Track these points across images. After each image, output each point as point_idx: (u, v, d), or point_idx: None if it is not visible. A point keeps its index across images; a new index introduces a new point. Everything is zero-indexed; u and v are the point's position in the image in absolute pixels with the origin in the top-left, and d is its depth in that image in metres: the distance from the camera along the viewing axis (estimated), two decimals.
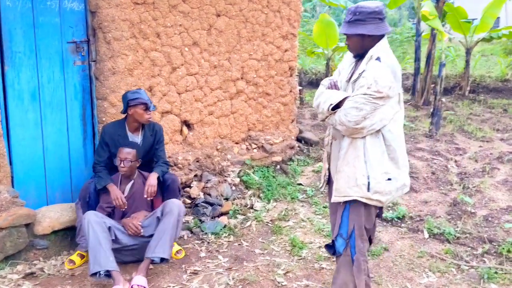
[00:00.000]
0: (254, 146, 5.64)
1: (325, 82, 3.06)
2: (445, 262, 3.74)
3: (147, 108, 3.83)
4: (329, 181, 3.10)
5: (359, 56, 2.89)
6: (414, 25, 10.59)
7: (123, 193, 3.76)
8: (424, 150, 6.09)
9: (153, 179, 3.80)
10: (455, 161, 5.80)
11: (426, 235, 4.15)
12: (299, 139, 6.29)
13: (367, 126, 2.73)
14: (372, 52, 2.78)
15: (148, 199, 3.79)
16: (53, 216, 3.94)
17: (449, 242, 4.03)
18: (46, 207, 4.05)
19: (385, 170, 2.79)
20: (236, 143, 5.55)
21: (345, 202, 2.90)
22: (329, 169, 3.07)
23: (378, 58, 2.76)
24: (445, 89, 7.47)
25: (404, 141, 2.89)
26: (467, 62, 9.83)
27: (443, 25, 8.86)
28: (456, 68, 11.77)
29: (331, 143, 3.04)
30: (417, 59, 9.51)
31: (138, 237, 3.67)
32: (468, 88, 10.02)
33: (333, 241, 3.00)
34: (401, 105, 2.85)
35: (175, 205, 3.68)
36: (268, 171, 5.44)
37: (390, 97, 2.73)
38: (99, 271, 3.37)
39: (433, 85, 8.31)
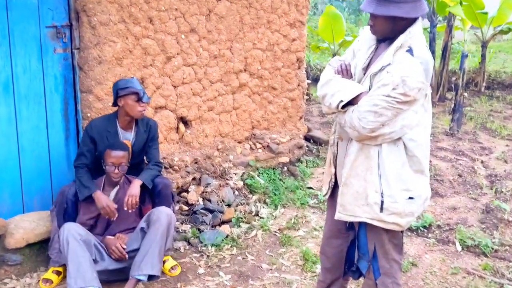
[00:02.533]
0: (258, 145, 5.11)
1: (334, 63, 2.48)
2: (485, 280, 3.21)
3: (139, 98, 3.30)
4: (335, 188, 2.54)
5: (384, 39, 2.34)
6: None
7: None
8: (447, 150, 5.55)
9: (134, 188, 3.24)
10: (482, 162, 5.26)
11: (459, 248, 3.61)
12: (307, 138, 5.76)
13: (385, 134, 2.19)
14: (403, 39, 2.20)
15: (130, 211, 3.24)
16: (27, 226, 3.41)
17: (486, 256, 3.50)
18: (20, 216, 3.52)
19: (406, 186, 2.24)
20: (239, 142, 5.02)
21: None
22: (335, 173, 2.52)
23: (409, 50, 2.19)
24: (455, 85, 6.93)
25: (429, 149, 2.34)
26: (483, 56, 9.28)
27: (455, 19, 8.32)
28: (470, 62, 11.26)
29: (337, 143, 2.48)
30: (431, 53, 8.97)
31: (123, 261, 3.13)
32: (484, 84, 9.48)
33: (356, 265, 2.48)
34: (427, 107, 2.28)
35: (163, 213, 3.14)
36: (274, 173, 4.90)
37: (417, 101, 2.18)
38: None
39: (454, 79, 7.77)
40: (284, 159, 5.19)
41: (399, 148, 2.24)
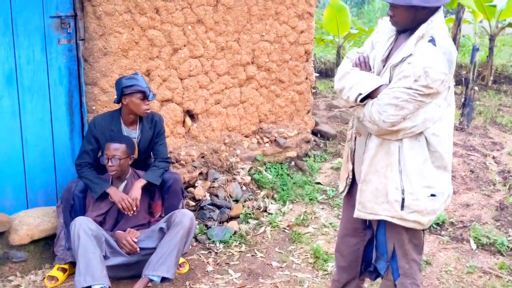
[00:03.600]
0: (266, 140, 5.01)
1: (352, 55, 2.38)
2: (502, 279, 3.12)
3: (145, 97, 3.19)
4: (352, 184, 2.45)
5: (405, 30, 2.24)
6: None
7: None
8: (457, 145, 5.45)
9: (135, 191, 3.12)
10: (493, 157, 5.16)
11: (474, 246, 3.52)
12: (314, 132, 5.65)
13: (406, 129, 2.09)
14: (424, 29, 2.10)
15: (130, 214, 3.13)
16: (32, 222, 3.32)
17: (502, 255, 3.41)
18: (25, 212, 3.43)
19: (428, 183, 2.15)
20: (246, 136, 4.92)
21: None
22: (353, 170, 2.42)
23: (432, 40, 2.08)
24: (465, 78, 6.81)
25: (452, 144, 2.24)
26: (491, 49, 9.14)
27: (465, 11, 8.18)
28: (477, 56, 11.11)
29: (355, 138, 2.39)
30: None
31: (134, 255, 3.04)
32: (492, 78, 9.35)
33: (374, 265, 2.38)
34: (450, 100, 2.18)
35: (186, 216, 3.05)
36: (282, 168, 4.81)
37: (440, 93, 2.08)
38: (91, 286, 2.75)
39: (463, 73, 7.65)
40: (292, 153, 5.10)
41: (420, 143, 2.15)
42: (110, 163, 3.06)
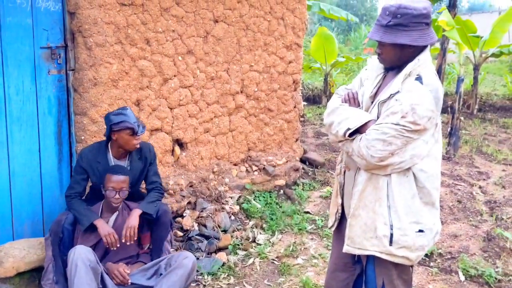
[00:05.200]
0: (254, 168, 5.02)
1: (341, 91, 2.43)
2: None
3: (134, 132, 3.18)
4: (341, 219, 2.46)
5: (392, 68, 2.29)
6: None
7: None
8: (444, 174, 5.50)
9: (133, 219, 3.10)
10: (480, 187, 5.22)
11: (462, 278, 3.53)
12: (303, 160, 5.68)
13: (394, 164, 2.12)
14: (411, 67, 2.15)
15: (128, 243, 3.11)
16: (18, 254, 3.26)
17: (489, 286, 3.41)
18: (10, 243, 3.37)
19: (416, 219, 2.17)
20: (235, 164, 4.93)
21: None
22: (342, 204, 2.44)
23: (418, 78, 2.13)
24: (451, 107, 6.94)
25: (440, 181, 2.27)
26: (475, 79, 9.35)
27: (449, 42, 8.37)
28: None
29: (344, 172, 2.41)
30: None
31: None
32: (477, 107, 9.52)
33: None
34: (437, 137, 2.22)
35: (189, 258, 2.99)
36: (270, 196, 4.81)
37: (427, 130, 2.12)
38: None
39: (448, 102, 7.77)
40: (281, 182, 5.11)
41: (408, 179, 2.17)
42: (117, 196, 3.05)
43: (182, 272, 2.92)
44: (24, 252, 3.29)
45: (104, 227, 3.03)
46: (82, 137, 3.67)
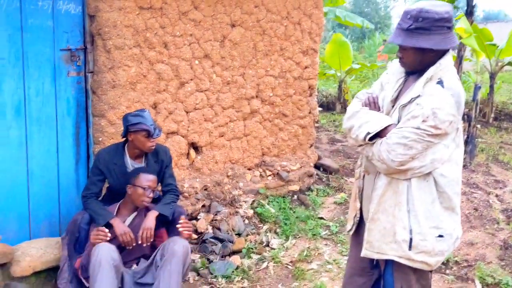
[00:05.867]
0: (268, 173, 5.02)
1: (361, 95, 2.43)
2: None
3: (150, 135, 3.21)
4: (360, 223, 2.45)
5: (414, 72, 2.28)
6: None
7: None
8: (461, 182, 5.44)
9: (149, 221, 3.11)
10: (496, 196, 5.16)
11: (479, 286, 3.48)
12: (317, 166, 5.67)
13: (414, 168, 2.11)
14: (433, 71, 2.14)
15: (144, 245, 3.12)
16: (35, 253, 3.29)
17: None
18: (27, 243, 3.41)
19: (436, 224, 2.16)
20: (249, 169, 4.93)
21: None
22: (361, 208, 2.43)
23: (440, 82, 2.12)
24: (467, 115, 6.89)
25: (461, 186, 2.25)
26: (491, 87, 9.27)
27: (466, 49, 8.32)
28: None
29: (363, 177, 2.40)
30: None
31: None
32: (492, 115, 9.44)
33: None
34: (458, 142, 2.20)
35: (178, 244, 2.98)
36: (284, 202, 4.80)
37: (448, 134, 2.11)
38: None
39: (466, 110, 7.71)
40: (294, 187, 5.10)
41: (429, 183, 2.16)
42: (151, 195, 3.11)
43: (176, 259, 2.91)
44: (41, 251, 3.32)
45: (120, 226, 3.05)
46: (100, 139, 3.71)
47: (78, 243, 3.13)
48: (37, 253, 3.29)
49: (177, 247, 2.96)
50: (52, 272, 3.31)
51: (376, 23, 29.25)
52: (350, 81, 12.21)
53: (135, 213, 3.19)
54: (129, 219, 3.17)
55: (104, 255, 2.81)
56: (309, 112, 5.37)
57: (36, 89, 3.49)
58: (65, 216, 3.67)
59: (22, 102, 3.43)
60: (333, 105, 10.90)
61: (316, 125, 5.84)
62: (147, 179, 3.10)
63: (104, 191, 3.50)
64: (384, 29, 30.84)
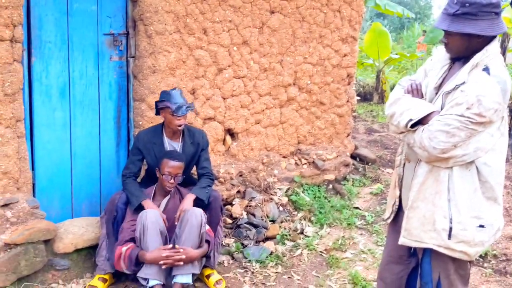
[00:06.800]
0: (304, 161, 5.01)
1: (404, 82, 2.39)
2: None
3: (174, 112, 3.26)
4: (398, 211, 2.42)
5: (459, 58, 2.23)
6: None
7: None
8: None
9: (188, 202, 3.20)
10: None
11: None
12: (353, 156, 5.62)
13: (457, 157, 2.06)
14: (479, 58, 2.09)
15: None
16: (77, 231, 3.41)
17: None
18: (70, 221, 3.53)
19: (477, 213, 2.11)
20: (284, 157, 4.94)
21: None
22: (400, 196, 2.40)
23: (486, 68, 2.07)
24: (510, 108, 6.66)
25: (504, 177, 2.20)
26: None
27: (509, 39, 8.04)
28: None
29: (403, 164, 2.37)
30: None
31: None
32: None
33: None
34: (503, 130, 2.14)
35: (195, 215, 3.11)
36: (319, 190, 4.79)
37: (493, 122, 2.06)
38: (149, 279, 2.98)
39: (509, 102, 7.47)
40: (330, 176, 5.08)
41: (471, 172, 2.12)
42: (172, 181, 3.18)
43: (191, 224, 3.07)
44: (83, 229, 3.43)
45: (152, 207, 3.13)
46: (140, 123, 3.79)
47: (116, 222, 3.22)
48: (78, 231, 3.41)
49: (193, 218, 3.09)
50: (92, 250, 3.42)
51: (416, 13, 28.54)
52: (389, 71, 12.00)
53: (168, 196, 3.26)
54: (163, 202, 3.25)
55: (150, 220, 3.00)
56: (347, 101, 5.32)
57: (80, 73, 3.59)
58: (106, 196, 3.77)
59: (67, 85, 3.54)
60: (371, 95, 10.75)
61: (353, 114, 5.78)
62: (169, 165, 3.17)
63: (143, 173, 3.59)
64: (424, 19, 30.09)
